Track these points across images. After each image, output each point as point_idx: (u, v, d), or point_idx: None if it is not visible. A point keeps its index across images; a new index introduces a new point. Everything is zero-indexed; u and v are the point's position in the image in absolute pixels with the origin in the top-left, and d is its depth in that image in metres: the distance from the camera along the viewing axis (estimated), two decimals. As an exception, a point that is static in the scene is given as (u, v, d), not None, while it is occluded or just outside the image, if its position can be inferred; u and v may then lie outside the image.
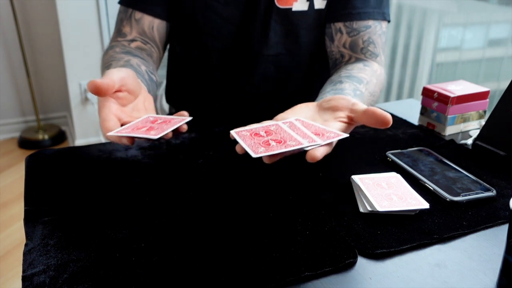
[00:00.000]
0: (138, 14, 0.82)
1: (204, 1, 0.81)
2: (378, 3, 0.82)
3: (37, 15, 2.39)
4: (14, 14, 2.22)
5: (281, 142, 0.51)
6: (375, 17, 0.82)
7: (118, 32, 0.84)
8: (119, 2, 0.85)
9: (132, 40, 0.83)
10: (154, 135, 0.54)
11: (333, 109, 0.59)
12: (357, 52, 0.83)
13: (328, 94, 0.66)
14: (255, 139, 0.52)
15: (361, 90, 0.71)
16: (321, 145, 0.50)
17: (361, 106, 0.56)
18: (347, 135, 0.54)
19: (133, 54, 0.78)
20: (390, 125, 0.53)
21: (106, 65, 0.74)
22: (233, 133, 0.54)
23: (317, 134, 0.53)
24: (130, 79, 0.61)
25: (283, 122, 0.55)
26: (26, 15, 2.38)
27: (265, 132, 0.53)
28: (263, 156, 0.49)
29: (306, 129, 0.54)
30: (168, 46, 0.96)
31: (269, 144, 0.50)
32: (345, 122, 0.57)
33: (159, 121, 0.59)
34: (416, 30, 2.17)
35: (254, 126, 0.55)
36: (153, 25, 0.84)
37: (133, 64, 0.72)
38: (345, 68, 0.79)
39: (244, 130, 0.54)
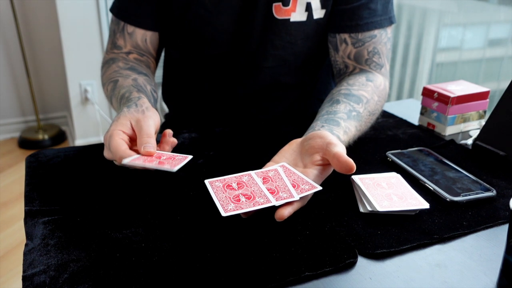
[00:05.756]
0: (130, 28, 0.82)
1: (195, 11, 0.80)
2: (385, 9, 0.80)
3: (37, 15, 2.39)
4: (14, 14, 2.22)
5: (251, 198, 0.53)
6: (382, 25, 0.80)
7: (113, 44, 0.85)
8: (111, 10, 0.84)
9: (129, 52, 0.84)
10: (172, 166, 0.57)
11: (311, 151, 0.60)
12: (362, 63, 0.82)
13: (321, 120, 0.67)
14: (227, 193, 0.54)
15: (358, 110, 0.71)
16: (290, 202, 0.53)
17: (333, 149, 0.57)
18: (320, 188, 0.55)
19: (138, 71, 0.78)
20: (353, 171, 0.55)
21: (112, 79, 0.76)
22: (207, 183, 0.56)
23: (293, 186, 0.55)
24: (158, 122, 0.64)
25: (256, 173, 0.58)
26: (26, 15, 2.38)
27: (237, 184, 0.56)
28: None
29: (287, 178, 0.56)
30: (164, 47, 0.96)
31: (239, 200, 0.53)
32: (321, 165, 0.59)
33: (164, 157, 0.60)
34: (416, 30, 2.17)
35: (228, 176, 0.58)
36: (146, 37, 0.84)
37: (140, 85, 0.73)
38: (347, 81, 0.79)
39: (217, 181, 0.57)
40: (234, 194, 0.54)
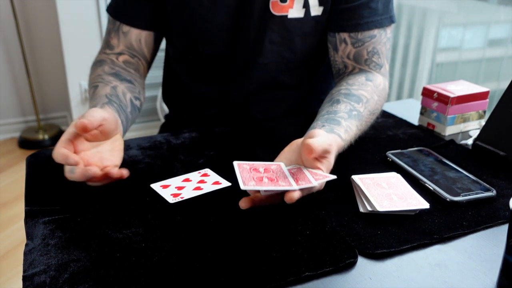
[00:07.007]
0: (125, 27, 0.82)
1: (192, 8, 0.79)
2: (385, 8, 0.80)
3: (37, 15, 2.39)
4: (14, 14, 2.22)
5: (273, 180, 0.53)
6: (382, 24, 0.80)
7: (107, 43, 0.84)
8: (107, 10, 0.84)
9: (120, 54, 0.83)
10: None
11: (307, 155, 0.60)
12: (361, 63, 0.82)
13: (321, 119, 0.67)
14: (252, 173, 0.54)
15: (358, 109, 0.71)
16: (312, 187, 0.54)
17: (304, 140, 0.57)
18: (335, 176, 0.56)
19: (121, 77, 0.77)
20: (312, 153, 0.54)
21: (93, 85, 0.75)
22: (235, 164, 0.56)
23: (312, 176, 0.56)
24: (110, 122, 0.62)
25: (285, 165, 0.58)
26: (26, 15, 2.38)
27: (264, 170, 0.56)
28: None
29: (309, 174, 0.56)
30: (165, 47, 0.96)
31: (261, 180, 0.53)
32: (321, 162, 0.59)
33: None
34: (416, 30, 2.16)
35: (257, 162, 0.58)
36: (141, 38, 0.83)
37: (118, 93, 0.72)
38: (346, 81, 0.79)
39: (246, 164, 0.57)
40: (258, 176, 0.54)
